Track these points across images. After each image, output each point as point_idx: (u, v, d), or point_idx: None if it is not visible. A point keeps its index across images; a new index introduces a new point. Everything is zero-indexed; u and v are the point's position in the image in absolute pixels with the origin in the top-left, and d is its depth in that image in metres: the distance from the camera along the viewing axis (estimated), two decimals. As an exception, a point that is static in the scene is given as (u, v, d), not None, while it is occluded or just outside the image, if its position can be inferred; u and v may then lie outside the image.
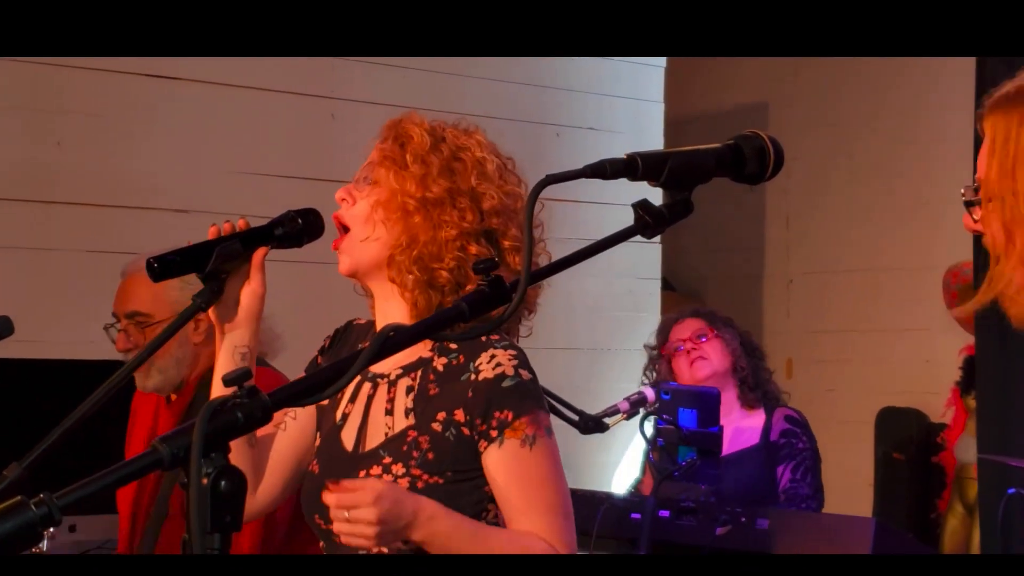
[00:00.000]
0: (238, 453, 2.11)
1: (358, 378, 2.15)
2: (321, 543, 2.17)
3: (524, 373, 2.06)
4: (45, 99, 4.36)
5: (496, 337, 2.08)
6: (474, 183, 2.13)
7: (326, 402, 2.19)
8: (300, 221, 2.19)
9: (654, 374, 4.17)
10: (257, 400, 1.32)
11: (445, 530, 1.99)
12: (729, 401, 4.01)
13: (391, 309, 2.15)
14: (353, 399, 2.17)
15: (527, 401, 2.05)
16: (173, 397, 3.17)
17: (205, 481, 1.27)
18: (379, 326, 2.19)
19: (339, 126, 4.85)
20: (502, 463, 2.03)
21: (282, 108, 4.81)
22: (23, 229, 4.34)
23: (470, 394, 2.04)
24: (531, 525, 2.03)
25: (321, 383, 1.38)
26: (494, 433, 2.03)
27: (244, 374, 1.34)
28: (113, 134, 4.51)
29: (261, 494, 2.21)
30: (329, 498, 1.97)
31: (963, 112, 6.11)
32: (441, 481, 2.03)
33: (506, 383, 2.04)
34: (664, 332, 4.17)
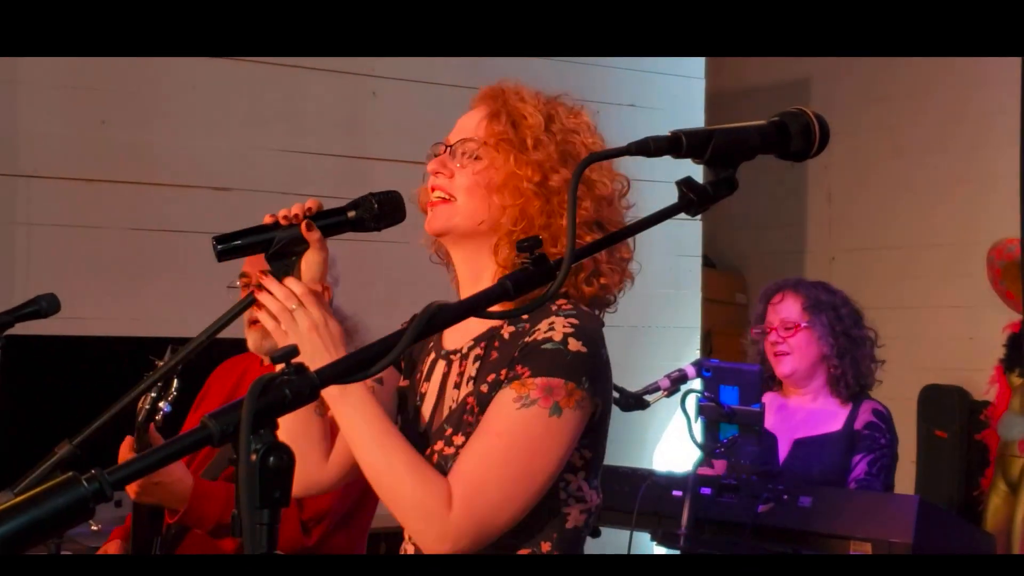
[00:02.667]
0: (306, 423, 2.13)
1: (432, 356, 2.16)
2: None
3: (574, 342, 1.94)
4: (89, 78, 4.39)
5: (568, 307, 2.00)
6: (588, 170, 2.05)
7: (406, 383, 2.19)
8: (377, 206, 2.09)
9: (755, 347, 4.06)
10: (305, 377, 1.33)
11: (356, 401, 1.90)
12: (817, 388, 3.96)
13: (484, 282, 2.09)
14: (428, 378, 2.15)
15: (553, 367, 1.92)
16: (266, 362, 3.20)
17: (254, 457, 1.28)
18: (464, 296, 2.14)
19: (380, 104, 4.86)
20: (490, 407, 1.94)
21: (323, 86, 4.83)
22: (68, 207, 4.38)
23: (516, 353, 1.97)
24: (457, 473, 1.90)
25: (368, 360, 1.39)
26: (504, 381, 1.95)
27: (291, 351, 1.35)
28: (156, 113, 4.54)
29: (333, 465, 2.18)
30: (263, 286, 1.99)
31: (1009, 87, 6.05)
32: None
33: (546, 346, 1.94)
34: (762, 305, 4.04)
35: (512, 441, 1.89)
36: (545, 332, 1.96)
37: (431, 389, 2.14)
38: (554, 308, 2.00)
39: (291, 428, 2.16)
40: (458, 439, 2.00)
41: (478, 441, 1.92)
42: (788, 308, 3.96)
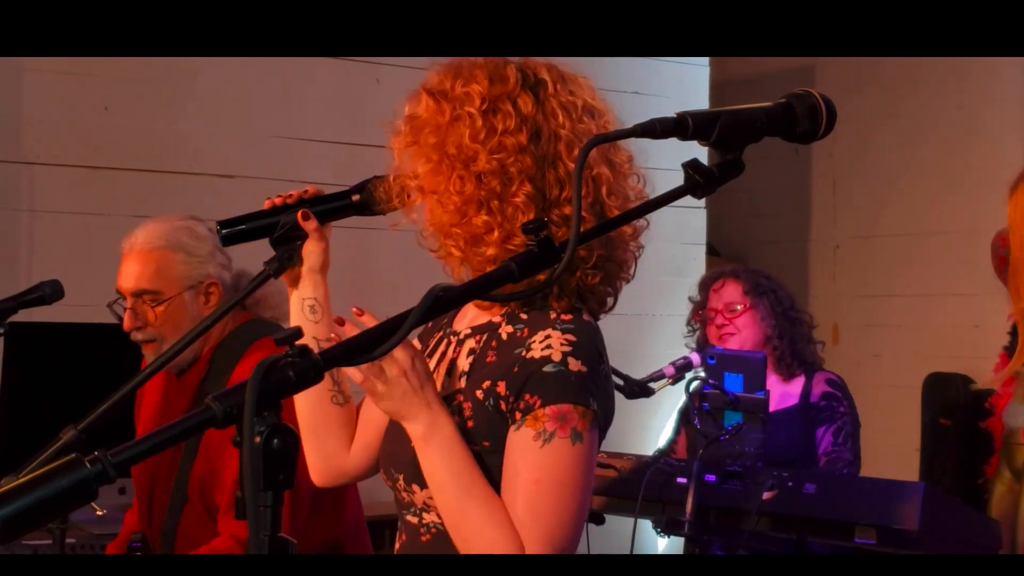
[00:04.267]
0: (324, 412, 2.14)
1: (440, 332, 2.13)
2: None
3: (573, 362, 1.91)
4: (92, 64, 4.38)
5: (567, 317, 1.96)
6: (467, 141, 1.96)
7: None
8: (381, 188, 2.12)
9: (695, 335, 4.16)
10: (308, 359, 1.32)
11: (442, 444, 1.89)
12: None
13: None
14: (432, 353, 2.12)
15: (561, 392, 1.89)
16: (185, 370, 3.12)
17: (258, 439, 1.27)
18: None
19: (384, 91, 4.85)
20: (512, 448, 1.91)
21: (327, 73, 4.81)
22: (71, 194, 4.37)
23: (515, 369, 1.93)
24: (518, 522, 1.89)
25: (373, 341, 1.38)
26: (518, 415, 1.91)
27: (295, 334, 1.34)
28: (159, 99, 4.53)
29: (358, 453, 2.18)
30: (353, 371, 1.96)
31: (1012, 74, 6.03)
32: (476, 449, 1.94)
33: (547, 367, 1.90)
34: (703, 293, 4.14)
35: (551, 482, 1.89)
36: (543, 350, 1.92)
37: (431, 365, 2.11)
38: (553, 316, 1.97)
39: (309, 417, 2.17)
40: None
41: (521, 492, 1.90)
42: (730, 292, 4.05)
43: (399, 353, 1.89)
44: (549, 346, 1.92)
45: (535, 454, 1.89)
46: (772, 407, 3.93)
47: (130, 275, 3.07)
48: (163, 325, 3.04)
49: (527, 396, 1.91)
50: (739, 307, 4.01)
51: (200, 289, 3.08)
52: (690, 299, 4.24)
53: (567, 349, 1.91)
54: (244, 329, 3.10)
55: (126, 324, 3.06)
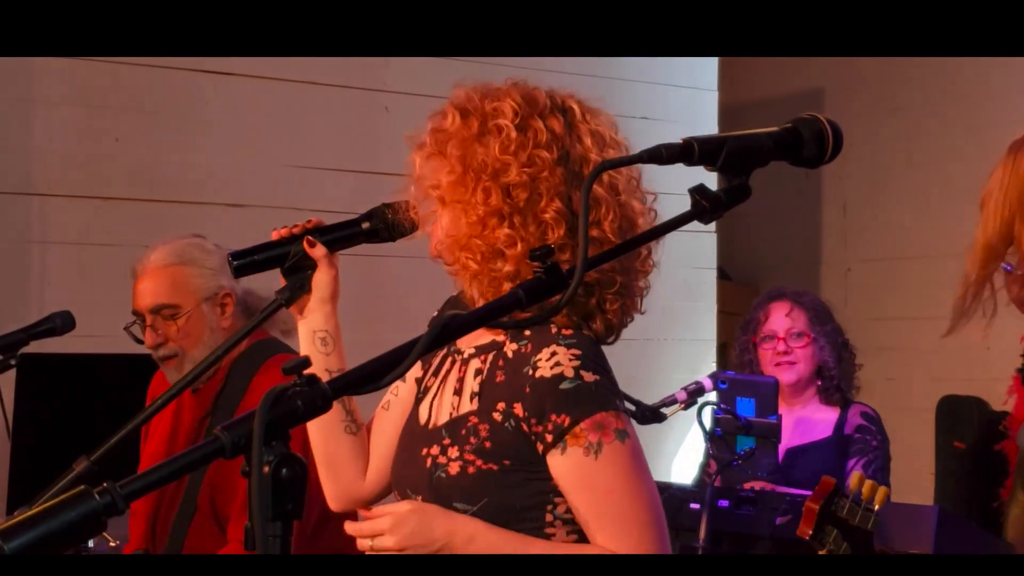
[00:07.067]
0: (337, 442, 2.15)
1: (444, 350, 2.13)
2: None
3: (586, 375, 1.93)
4: (103, 96, 4.40)
5: (568, 332, 1.97)
6: (497, 153, 1.97)
7: (421, 372, 2.17)
8: (391, 215, 2.14)
9: (744, 357, 4.08)
10: (317, 388, 1.33)
11: (488, 549, 1.92)
12: (808, 397, 3.99)
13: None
14: (436, 372, 2.13)
15: (588, 404, 1.92)
16: (200, 385, 3.15)
17: (266, 469, 1.27)
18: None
19: (393, 119, 4.86)
20: (567, 473, 1.93)
21: (336, 102, 4.83)
22: (82, 225, 4.38)
23: (527, 390, 1.94)
24: (604, 540, 1.92)
25: (381, 370, 1.38)
26: (550, 437, 1.92)
27: (303, 363, 1.34)
28: (169, 130, 4.54)
29: (372, 478, 2.20)
30: (350, 527, 1.97)
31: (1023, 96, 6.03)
32: (496, 468, 1.95)
33: (564, 385, 1.92)
34: (763, 314, 4.07)
35: (621, 487, 1.93)
36: (552, 368, 1.93)
37: (435, 385, 2.12)
38: (554, 331, 1.98)
39: (324, 448, 2.18)
40: (453, 451, 1.99)
41: (601, 508, 1.93)
42: (797, 319, 4.02)
43: (388, 539, 1.92)
44: (558, 363, 1.94)
45: (594, 468, 1.92)
46: (806, 438, 3.92)
47: (147, 293, 3.12)
48: (184, 339, 3.10)
49: (553, 417, 1.92)
50: (803, 337, 3.98)
51: (216, 300, 3.14)
52: (741, 325, 4.15)
53: (577, 363, 1.94)
54: (258, 347, 3.14)
55: (148, 342, 3.11)
